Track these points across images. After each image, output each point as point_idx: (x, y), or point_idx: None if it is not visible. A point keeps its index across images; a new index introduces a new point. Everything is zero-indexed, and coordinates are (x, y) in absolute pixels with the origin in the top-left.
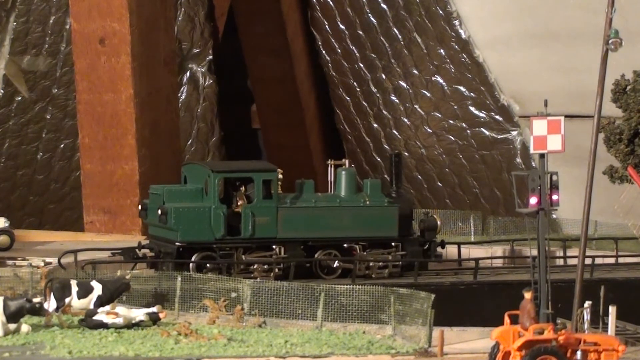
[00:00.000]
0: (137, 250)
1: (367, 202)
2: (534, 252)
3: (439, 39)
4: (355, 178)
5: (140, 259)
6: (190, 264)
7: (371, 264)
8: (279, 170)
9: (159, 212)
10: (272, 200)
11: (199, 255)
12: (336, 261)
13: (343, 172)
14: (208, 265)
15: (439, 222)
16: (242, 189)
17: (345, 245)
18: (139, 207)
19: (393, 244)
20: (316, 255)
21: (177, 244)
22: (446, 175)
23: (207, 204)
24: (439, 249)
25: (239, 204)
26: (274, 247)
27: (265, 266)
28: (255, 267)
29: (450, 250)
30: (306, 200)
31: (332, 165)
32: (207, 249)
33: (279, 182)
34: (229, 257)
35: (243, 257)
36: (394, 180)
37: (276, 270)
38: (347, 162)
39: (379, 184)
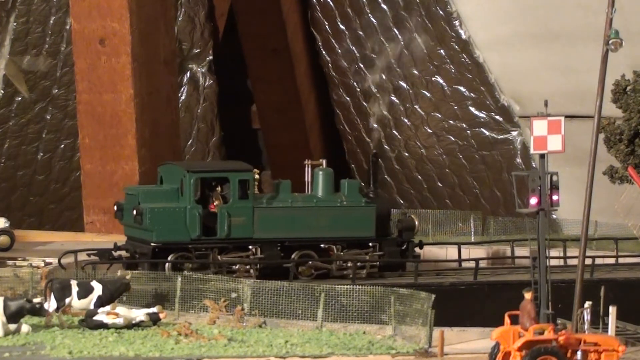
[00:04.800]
0: (112, 251)
1: (344, 203)
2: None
3: (439, 39)
4: (333, 178)
5: (116, 260)
6: (166, 265)
7: (349, 264)
8: (255, 170)
9: (134, 212)
10: (248, 201)
11: (175, 255)
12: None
13: (320, 172)
14: (185, 265)
15: (416, 223)
16: (218, 189)
17: (322, 245)
18: (115, 207)
19: (370, 244)
20: (293, 256)
21: (152, 244)
22: (446, 175)
23: (182, 204)
24: (417, 250)
25: (215, 204)
26: (250, 247)
27: (247, 266)
28: (237, 267)
29: (451, 251)
30: (282, 200)
31: (309, 166)
32: (182, 249)
33: (256, 182)
34: (204, 257)
35: (219, 257)
36: (372, 180)
37: (251, 271)
38: (324, 162)
39: (356, 184)
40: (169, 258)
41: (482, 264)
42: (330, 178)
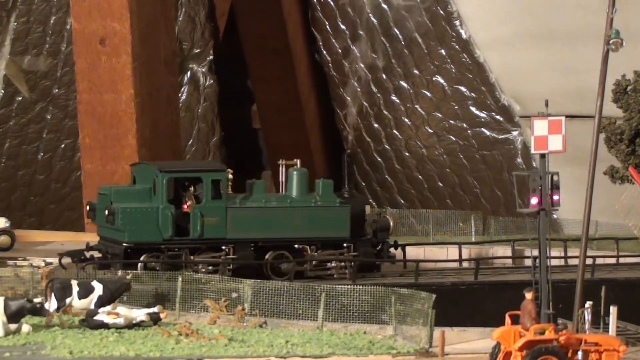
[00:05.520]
0: (85, 251)
1: (319, 203)
2: (535, 253)
3: (440, 39)
4: (307, 178)
5: (88, 260)
6: (139, 265)
7: (333, 264)
8: (228, 170)
9: (106, 212)
10: (221, 201)
11: (147, 256)
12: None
13: (294, 172)
14: (157, 267)
15: (391, 223)
16: (191, 189)
17: (296, 246)
18: (87, 207)
19: (345, 244)
20: (267, 256)
21: (124, 244)
22: (447, 175)
23: (154, 204)
24: (392, 250)
25: (187, 204)
26: (223, 247)
27: (210, 267)
28: (200, 267)
29: (451, 251)
30: (256, 200)
31: (284, 166)
32: (155, 249)
33: (229, 182)
34: (177, 258)
35: (192, 257)
36: (346, 180)
37: (225, 271)
38: (298, 162)
39: (331, 184)
40: (141, 258)
41: (466, 264)
42: (304, 178)
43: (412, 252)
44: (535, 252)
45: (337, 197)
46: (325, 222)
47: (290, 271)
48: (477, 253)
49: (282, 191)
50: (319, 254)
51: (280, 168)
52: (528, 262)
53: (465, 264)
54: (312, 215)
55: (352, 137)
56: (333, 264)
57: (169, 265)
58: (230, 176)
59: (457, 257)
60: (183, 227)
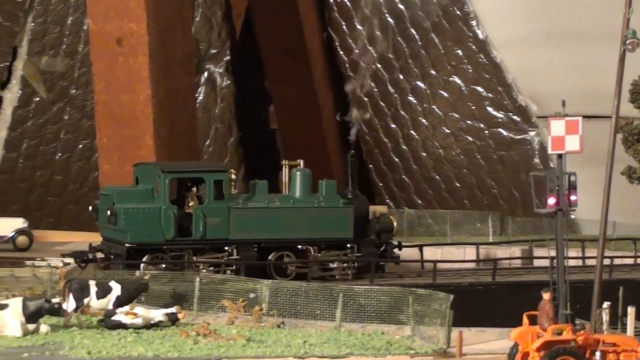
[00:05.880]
0: (88, 252)
1: (322, 203)
2: (552, 253)
3: (457, 39)
4: (310, 179)
5: (91, 261)
6: (141, 266)
7: (335, 264)
8: (231, 170)
9: (108, 213)
10: (224, 201)
11: (150, 256)
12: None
13: (298, 173)
14: (163, 266)
15: (394, 224)
16: (194, 189)
17: (299, 246)
18: (90, 208)
19: (348, 245)
20: (270, 257)
21: (126, 245)
22: (464, 175)
23: (157, 204)
24: (396, 251)
25: (190, 204)
26: (226, 248)
27: (211, 268)
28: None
29: (469, 252)
30: (259, 200)
31: (287, 166)
32: (157, 250)
33: (232, 183)
34: (180, 258)
35: (194, 258)
36: (350, 181)
37: (228, 272)
38: (301, 162)
39: (334, 185)
40: (144, 259)
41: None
42: (308, 179)
43: (430, 253)
44: (553, 253)
45: (341, 197)
46: (328, 222)
47: (308, 273)
48: (494, 253)
49: (285, 192)
50: (322, 254)
51: (284, 168)
52: (546, 263)
53: (482, 265)
54: (315, 215)
55: (359, 137)
56: (335, 265)
57: (172, 266)
58: (233, 176)
59: (474, 258)
60: (186, 228)
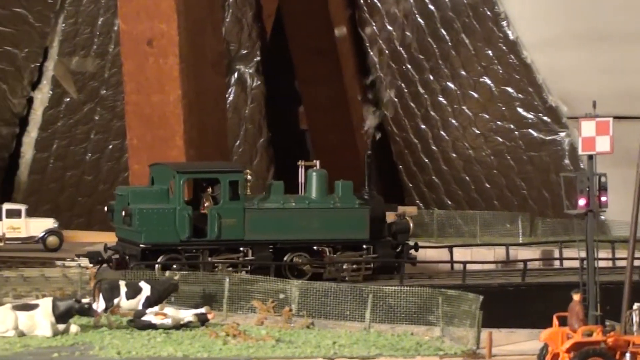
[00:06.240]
0: (102, 252)
1: (338, 204)
2: (582, 254)
3: (487, 40)
4: (327, 180)
5: (106, 261)
6: (156, 266)
7: (345, 266)
8: (246, 171)
9: (123, 213)
10: (239, 202)
11: (165, 257)
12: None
13: (314, 174)
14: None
15: (411, 225)
16: (209, 190)
17: (315, 247)
18: (105, 208)
19: (364, 246)
20: (285, 258)
21: (141, 245)
22: (494, 176)
23: (172, 205)
24: (412, 252)
25: (205, 205)
26: (241, 249)
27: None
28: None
29: (499, 252)
30: (274, 201)
31: (303, 167)
32: (172, 250)
33: (248, 183)
34: (195, 259)
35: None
36: (367, 181)
37: (244, 272)
38: (317, 163)
39: (350, 186)
40: (159, 260)
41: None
42: (324, 179)
43: (460, 254)
44: (583, 254)
45: (357, 198)
46: (344, 223)
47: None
48: (524, 254)
49: (300, 192)
50: (338, 255)
51: (300, 169)
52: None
53: (512, 266)
54: (331, 216)
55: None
56: (345, 266)
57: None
58: (249, 177)
59: (504, 259)
60: (201, 229)
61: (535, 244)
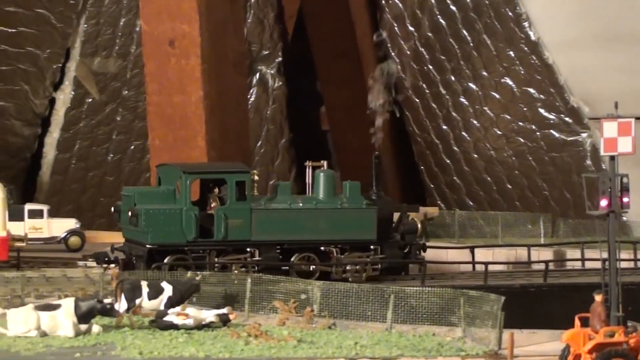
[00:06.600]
0: (109, 253)
1: (345, 205)
2: (604, 255)
3: (509, 40)
4: (334, 180)
5: (112, 262)
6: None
7: (348, 267)
8: (253, 171)
9: (130, 214)
10: (246, 202)
11: (171, 258)
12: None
13: (321, 174)
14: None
15: (419, 225)
16: (216, 190)
17: (322, 248)
18: (112, 209)
19: (372, 247)
20: (292, 259)
21: (147, 246)
22: (516, 177)
23: (178, 205)
24: (420, 253)
25: (212, 205)
26: (248, 249)
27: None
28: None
29: (520, 253)
30: (281, 202)
31: (310, 167)
32: (179, 251)
33: (254, 184)
34: (201, 260)
35: (216, 259)
36: (374, 182)
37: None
38: (325, 163)
39: (358, 186)
40: (165, 260)
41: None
42: (331, 180)
43: (481, 254)
44: (605, 255)
45: (364, 199)
46: (351, 224)
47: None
48: (546, 255)
49: (308, 193)
50: (345, 256)
51: (307, 169)
52: (598, 265)
53: (534, 267)
54: (338, 217)
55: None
56: (349, 267)
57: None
58: (256, 177)
59: (526, 259)
60: (207, 229)
61: (557, 244)
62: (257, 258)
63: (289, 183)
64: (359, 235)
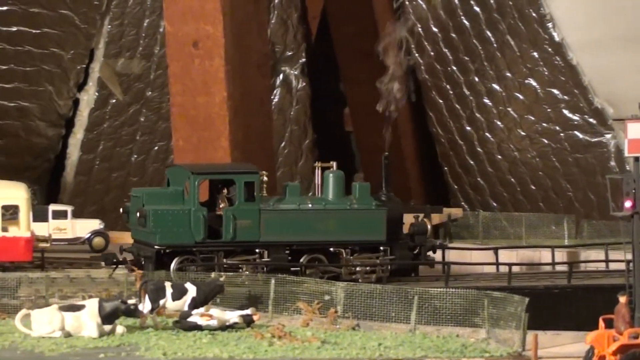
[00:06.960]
0: (118, 254)
1: (355, 206)
2: (629, 256)
3: (532, 41)
4: (343, 181)
5: (121, 263)
6: (171, 268)
7: (358, 268)
8: (262, 172)
9: (138, 214)
10: (255, 203)
11: (180, 258)
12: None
13: (330, 175)
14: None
15: (429, 226)
16: (224, 191)
17: (331, 249)
18: (121, 210)
19: (381, 248)
20: (302, 260)
21: (156, 247)
22: (540, 178)
23: (187, 206)
24: (430, 254)
25: (220, 206)
26: (257, 250)
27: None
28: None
29: (544, 255)
30: (290, 203)
31: (320, 168)
32: (187, 252)
33: (263, 184)
34: (210, 261)
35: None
36: (384, 183)
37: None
38: (334, 164)
39: (367, 187)
40: (174, 261)
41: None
42: (340, 181)
43: (505, 255)
44: (629, 256)
45: (374, 200)
46: (361, 225)
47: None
48: (570, 256)
49: (317, 194)
50: (355, 257)
51: (316, 170)
52: (622, 266)
53: (558, 268)
54: (347, 218)
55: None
56: (359, 268)
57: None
58: (265, 178)
59: (550, 261)
60: (216, 230)
61: (580, 246)
62: (266, 259)
63: (298, 184)
64: (368, 236)
